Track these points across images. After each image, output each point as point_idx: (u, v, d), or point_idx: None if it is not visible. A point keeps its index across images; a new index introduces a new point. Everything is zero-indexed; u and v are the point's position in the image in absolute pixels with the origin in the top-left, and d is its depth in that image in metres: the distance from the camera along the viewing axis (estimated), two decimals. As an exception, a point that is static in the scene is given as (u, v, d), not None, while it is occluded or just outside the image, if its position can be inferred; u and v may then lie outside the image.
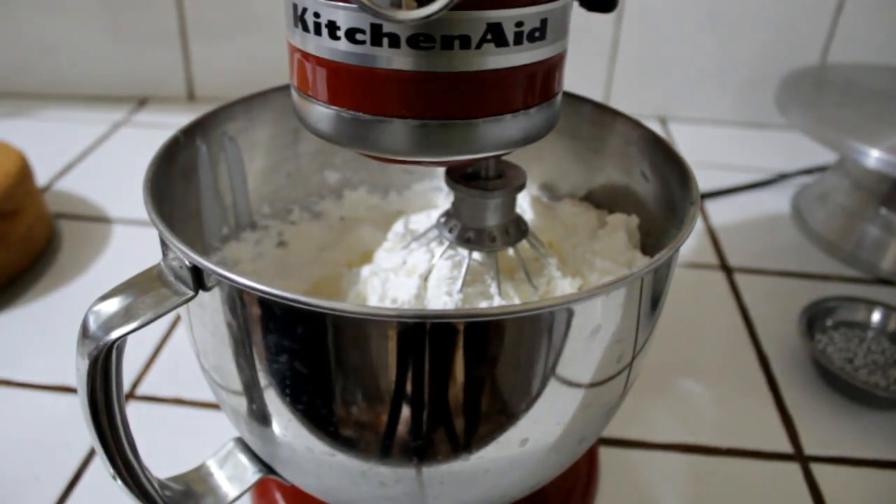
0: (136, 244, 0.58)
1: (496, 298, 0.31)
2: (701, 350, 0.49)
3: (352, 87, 0.24)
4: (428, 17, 0.21)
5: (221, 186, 0.36)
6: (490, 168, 0.31)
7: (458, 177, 0.31)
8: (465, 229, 0.31)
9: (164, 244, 0.25)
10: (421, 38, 0.22)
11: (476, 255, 0.32)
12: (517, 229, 0.32)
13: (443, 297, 0.31)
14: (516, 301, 0.31)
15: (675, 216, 0.30)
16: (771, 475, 0.40)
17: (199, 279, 0.24)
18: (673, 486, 0.39)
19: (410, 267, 0.33)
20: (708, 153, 0.77)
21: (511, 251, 0.33)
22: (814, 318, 0.49)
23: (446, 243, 0.32)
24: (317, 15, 0.23)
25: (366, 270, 0.34)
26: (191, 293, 0.24)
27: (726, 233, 0.63)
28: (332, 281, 0.37)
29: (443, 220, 0.32)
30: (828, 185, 0.66)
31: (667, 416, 0.44)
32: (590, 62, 0.82)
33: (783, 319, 0.51)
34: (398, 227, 0.38)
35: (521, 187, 0.31)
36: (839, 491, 0.39)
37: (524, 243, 0.33)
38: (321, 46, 0.24)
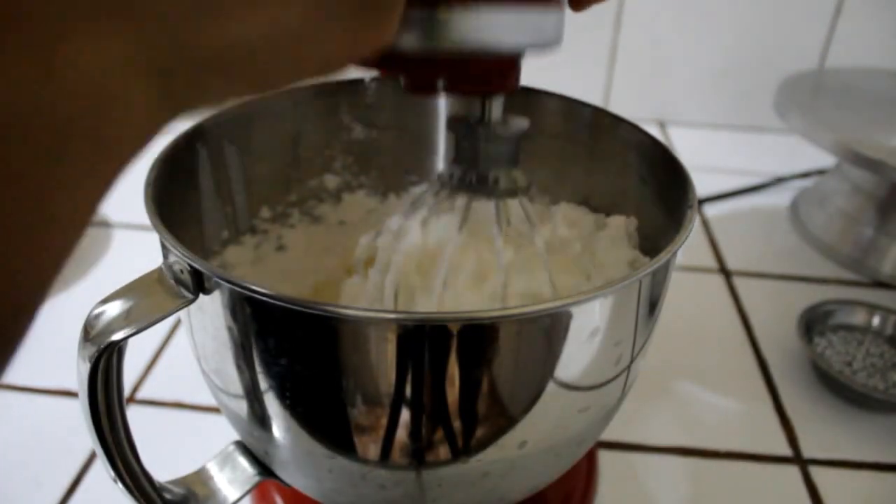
0: (137, 248, 0.58)
1: (501, 253, 0.31)
2: (700, 353, 0.49)
3: None
4: None
5: (221, 190, 0.36)
6: (492, 111, 0.30)
7: (462, 120, 0.30)
8: (466, 173, 0.30)
9: (164, 248, 0.25)
10: None
11: (478, 202, 0.31)
12: (518, 182, 0.31)
13: (444, 238, 0.30)
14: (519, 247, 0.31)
15: (673, 220, 0.30)
16: (770, 478, 0.40)
17: (199, 283, 0.24)
18: (672, 489, 0.39)
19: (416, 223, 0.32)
20: (707, 157, 0.77)
21: (513, 202, 0.32)
22: (812, 322, 0.49)
23: (447, 190, 0.31)
24: None
25: (364, 239, 0.34)
26: (191, 297, 0.24)
27: (725, 236, 0.63)
28: (331, 285, 0.37)
29: (443, 171, 0.32)
30: (826, 188, 0.66)
31: (666, 419, 0.44)
32: (589, 66, 0.82)
33: (782, 322, 0.51)
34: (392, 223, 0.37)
35: (523, 132, 0.30)
36: (838, 494, 0.39)
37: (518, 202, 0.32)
38: None
